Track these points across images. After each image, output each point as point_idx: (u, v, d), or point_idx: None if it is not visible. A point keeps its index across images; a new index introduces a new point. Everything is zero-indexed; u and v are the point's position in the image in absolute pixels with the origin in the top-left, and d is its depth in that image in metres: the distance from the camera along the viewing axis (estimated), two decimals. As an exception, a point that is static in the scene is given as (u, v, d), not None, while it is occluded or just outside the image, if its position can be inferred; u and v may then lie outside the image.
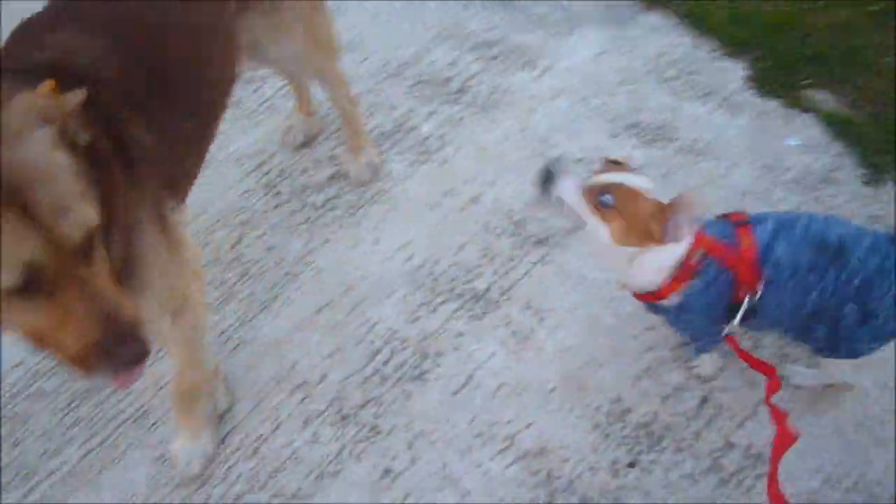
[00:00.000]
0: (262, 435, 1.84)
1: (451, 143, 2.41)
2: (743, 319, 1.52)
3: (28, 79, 1.16)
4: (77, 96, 1.13)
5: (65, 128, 1.11)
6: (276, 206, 2.31)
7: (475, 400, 1.86)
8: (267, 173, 2.39)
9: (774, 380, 1.49)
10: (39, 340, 1.12)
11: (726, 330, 1.57)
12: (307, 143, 2.44)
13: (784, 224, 1.49)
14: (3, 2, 2.34)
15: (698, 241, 1.49)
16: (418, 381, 1.90)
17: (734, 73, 2.52)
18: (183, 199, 1.62)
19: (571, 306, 2.01)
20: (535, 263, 2.10)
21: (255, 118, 2.53)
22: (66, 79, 1.18)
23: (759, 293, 1.48)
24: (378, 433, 1.82)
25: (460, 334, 1.98)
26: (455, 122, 2.47)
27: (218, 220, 2.29)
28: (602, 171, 1.51)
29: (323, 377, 1.93)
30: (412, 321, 2.02)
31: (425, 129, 2.46)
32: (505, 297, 2.06)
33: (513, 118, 2.47)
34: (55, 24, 1.40)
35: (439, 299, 2.06)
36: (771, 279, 1.47)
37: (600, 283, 2.03)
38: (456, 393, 1.88)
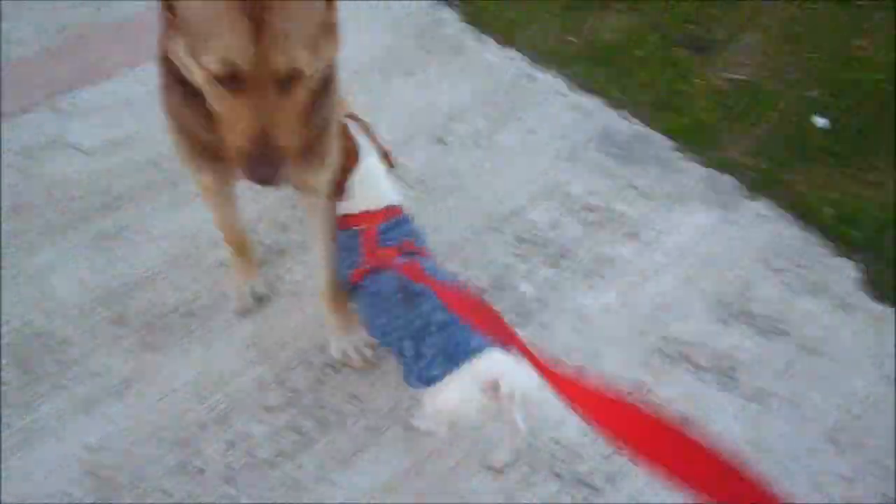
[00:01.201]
0: None
1: (551, 308, 2.31)
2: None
3: None
4: None
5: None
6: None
7: None
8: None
9: None
10: (220, 124, 1.36)
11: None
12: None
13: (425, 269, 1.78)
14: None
15: (373, 217, 1.91)
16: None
17: (846, 272, 2.44)
18: None
19: None
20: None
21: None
22: None
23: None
24: None
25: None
26: (554, 286, 2.37)
27: (299, 361, 2.16)
28: None
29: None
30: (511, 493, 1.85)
31: (523, 288, 2.37)
32: (609, 484, 1.89)
33: (615, 290, 2.37)
34: None
35: (537, 476, 1.90)
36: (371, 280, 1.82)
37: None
38: None
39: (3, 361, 2.12)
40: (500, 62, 3.24)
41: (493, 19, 3.47)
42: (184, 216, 2.49)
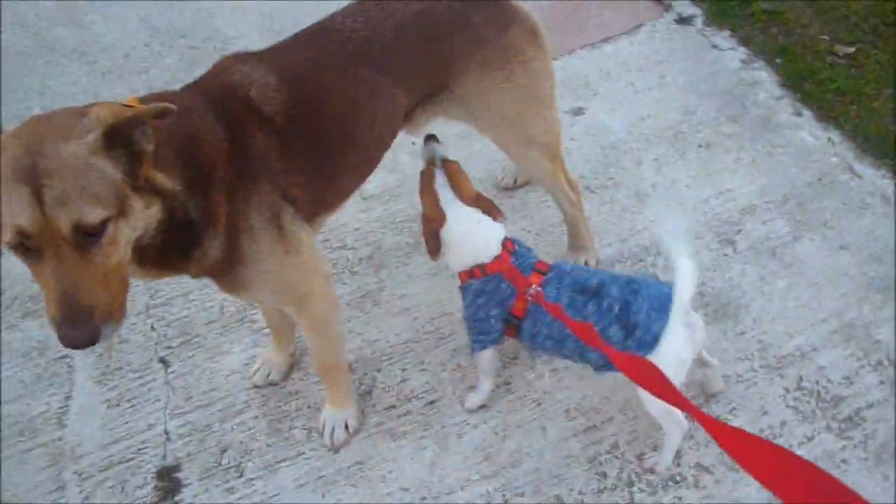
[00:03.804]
0: None
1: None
2: (513, 331, 1.97)
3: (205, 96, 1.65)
4: (150, 108, 1.35)
5: (114, 133, 1.31)
6: (599, 491, 2.01)
7: None
8: (598, 442, 2.10)
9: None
10: None
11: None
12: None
13: (559, 274, 1.92)
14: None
15: (502, 262, 1.93)
16: None
17: None
18: (310, 221, 1.83)
19: None
20: None
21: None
22: (233, 99, 1.67)
23: (525, 315, 1.92)
24: None
25: None
26: (836, 463, 2.02)
27: (531, 482, 2.04)
28: (443, 168, 1.99)
29: None
30: None
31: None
32: None
33: (915, 487, 1.97)
34: (251, 59, 1.78)
35: None
36: (532, 311, 1.91)
37: None
38: None
39: (253, 415, 2.23)
40: (817, 146, 2.80)
41: (818, 87, 3.00)
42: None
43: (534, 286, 1.89)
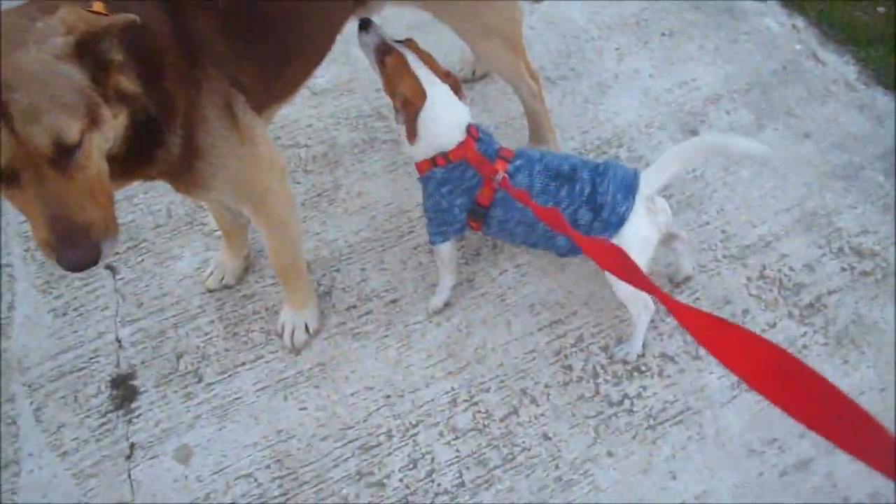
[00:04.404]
0: None
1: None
2: (479, 223, 1.94)
3: None
4: (120, 18, 1.23)
5: (88, 42, 1.21)
6: (564, 384, 2.01)
7: None
8: (562, 336, 2.09)
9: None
10: None
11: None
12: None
13: (529, 161, 1.87)
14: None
15: (466, 148, 1.85)
16: None
17: None
18: (261, 111, 1.72)
19: None
20: None
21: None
22: None
23: (492, 203, 1.88)
24: None
25: None
26: (798, 349, 2.03)
27: (496, 377, 2.02)
28: (407, 49, 1.87)
29: None
30: None
31: (758, 342, 2.05)
32: None
33: (873, 369, 2.00)
34: None
35: None
36: (499, 199, 1.86)
37: None
38: None
39: (209, 320, 2.16)
40: (782, 33, 2.74)
41: (784, -28, 2.91)
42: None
43: (501, 173, 1.82)
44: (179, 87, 1.48)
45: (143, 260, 2.28)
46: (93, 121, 1.24)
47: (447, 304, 2.13)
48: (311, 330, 2.09)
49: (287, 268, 2.02)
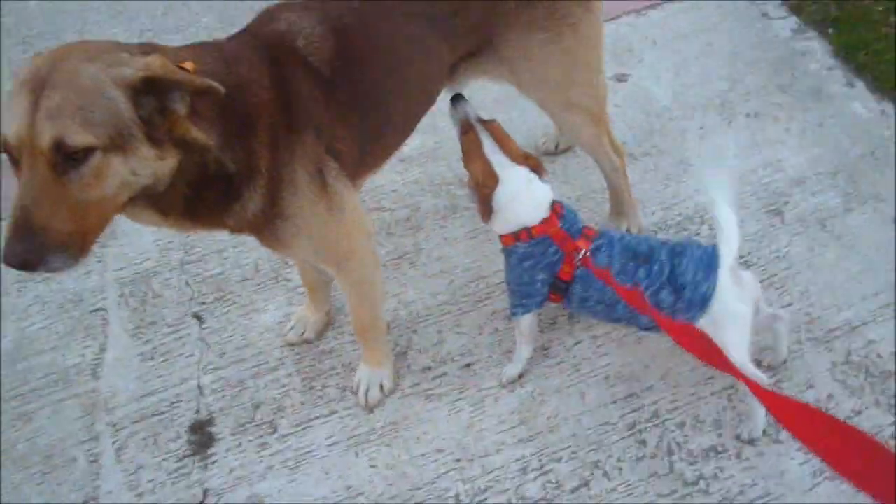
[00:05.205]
0: None
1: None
2: (560, 296, 1.94)
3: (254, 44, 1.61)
4: (197, 81, 1.31)
5: (154, 85, 1.28)
6: (638, 459, 1.97)
7: None
8: (637, 410, 2.05)
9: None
10: None
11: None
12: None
13: (610, 240, 1.88)
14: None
15: (550, 225, 1.88)
16: None
17: None
18: (353, 179, 1.78)
19: None
20: None
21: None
22: (280, 48, 1.61)
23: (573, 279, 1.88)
24: None
25: None
26: (885, 439, 1.95)
27: (568, 447, 2.00)
28: (486, 131, 1.90)
29: None
30: None
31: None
32: None
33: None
34: (297, 7, 1.71)
35: None
36: (580, 276, 1.87)
37: None
38: None
39: (287, 372, 2.21)
40: (871, 118, 2.71)
41: (872, 58, 2.90)
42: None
43: (583, 250, 1.84)
44: (269, 148, 1.54)
45: (228, 311, 2.37)
46: (119, 147, 1.27)
47: (521, 377, 2.13)
48: (385, 389, 2.11)
49: (366, 327, 2.06)
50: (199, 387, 2.21)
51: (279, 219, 1.63)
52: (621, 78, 2.94)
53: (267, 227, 1.64)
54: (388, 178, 2.66)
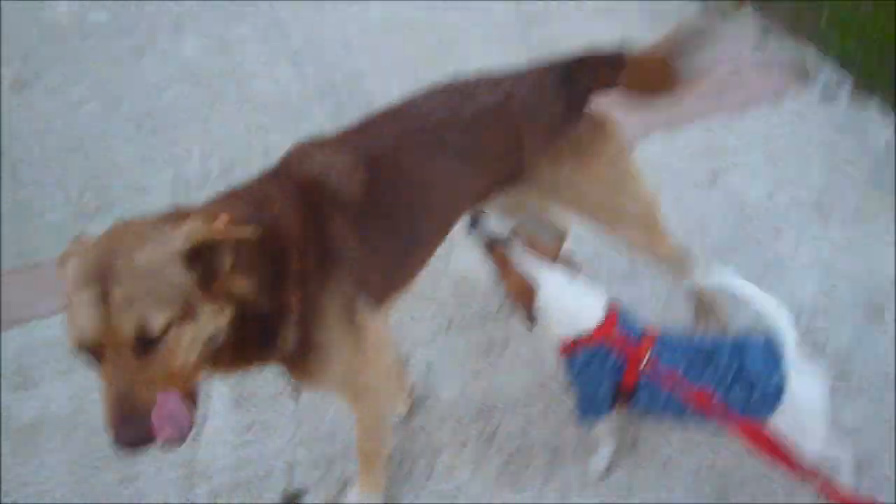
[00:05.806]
0: None
1: None
2: (625, 403, 1.84)
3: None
4: (233, 234, 1.40)
5: (202, 251, 1.35)
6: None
7: None
8: (728, 510, 2.00)
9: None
10: None
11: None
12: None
13: (670, 341, 1.81)
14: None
15: (607, 329, 1.80)
16: None
17: None
18: (382, 303, 1.81)
19: None
20: None
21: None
22: (312, 188, 1.68)
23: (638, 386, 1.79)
24: None
25: None
26: None
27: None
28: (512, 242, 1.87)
29: None
30: None
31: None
32: None
33: None
34: (327, 144, 1.79)
35: None
36: (645, 384, 1.78)
37: None
38: None
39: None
40: (980, 221, 2.64)
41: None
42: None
43: (648, 357, 1.78)
44: (300, 287, 1.57)
45: (322, 392, 2.45)
46: (187, 314, 1.33)
47: (609, 469, 2.12)
48: None
49: (370, 454, 2.05)
50: (292, 461, 2.28)
51: (310, 352, 1.66)
52: (713, 180, 2.95)
53: (298, 360, 1.68)
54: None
